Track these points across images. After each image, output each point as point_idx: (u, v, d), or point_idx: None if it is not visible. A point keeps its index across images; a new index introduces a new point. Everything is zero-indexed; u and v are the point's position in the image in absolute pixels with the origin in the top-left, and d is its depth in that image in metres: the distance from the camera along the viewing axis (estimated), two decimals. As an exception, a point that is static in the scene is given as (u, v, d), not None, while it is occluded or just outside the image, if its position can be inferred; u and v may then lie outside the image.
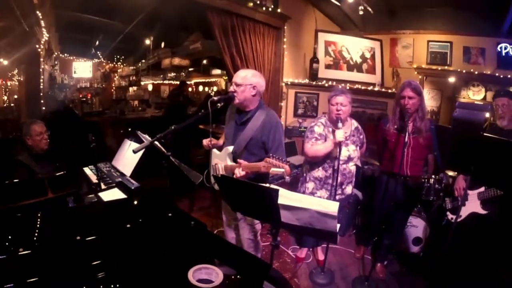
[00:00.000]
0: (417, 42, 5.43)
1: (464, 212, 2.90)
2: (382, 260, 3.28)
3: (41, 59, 4.18)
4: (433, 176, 3.67)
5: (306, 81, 5.04)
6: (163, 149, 2.21)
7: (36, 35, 3.91)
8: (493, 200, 2.78)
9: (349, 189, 2.99)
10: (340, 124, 2.68)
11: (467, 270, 2.88)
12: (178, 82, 11.59)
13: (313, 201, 1.54)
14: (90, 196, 2.30)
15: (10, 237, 1.52)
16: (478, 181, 2.72)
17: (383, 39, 5.65)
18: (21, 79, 5.04)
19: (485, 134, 2.05)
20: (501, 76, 4.78)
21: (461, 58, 5.13)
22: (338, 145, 2.64)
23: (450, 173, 3.71)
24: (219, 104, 2.27)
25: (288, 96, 4.91)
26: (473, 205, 2.88)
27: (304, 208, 1.52)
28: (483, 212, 2.84)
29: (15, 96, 6.63)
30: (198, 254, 1.50)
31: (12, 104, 6.62)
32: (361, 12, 4.82)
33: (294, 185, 3.34)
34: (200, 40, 7.13)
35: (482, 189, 2.85)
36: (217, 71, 11.39)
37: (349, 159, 2.87)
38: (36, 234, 1.60)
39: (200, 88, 13.36)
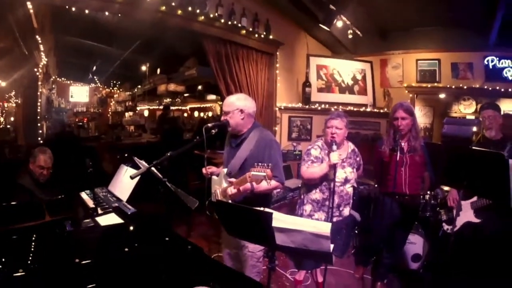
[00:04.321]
0: (406, 61, 5.58)
1: (459, 222, 2.95)
2: (382, 279, 3.26)
3: (39, 83, 4.24)
4: (428, 192, 3.71)
5: (299, 105, 5.14)
6: (160, 175, 2.24)
7: (35, 59, 3.97)
8: (485, 208, 2.85)
9: (346, 211, 3.00)
10: (334, 147, 2.71)
11: (466, 282, 2.87)
12: (173, 108, 11.64)
13: (306, 223, 1.57)
14: (87, 220, 2.31)
15: (4, 259, 1.51)
16: (472, 193, 2.82)
17: (373, 61, 5.81)
18: (19, 101, 5.09)
19: (473, 147, 2.11)
20: (490, 89, 4.90)
21: (450, 74, 5.26)
22: (333, 167, 2.69)
23: (445, 187, 3.74)
24: (213, 131, 2.30)
25: (282, 121, 4.98)
26: (466, 214, 2.95)
27: (298, 230, 1.56)
28: (477, 220, 2.92)
29: (12, 118, 6.66)
30: (195, 278, 1.51)
31: (8, 126, 6.64)
32: (350, 36, 5.00)
33: (292, 207, 3.34)
34: (195, 67, 7.28)
35: (475, 198, 2.91)
36: (212, 97, 11.48)
37: (346, 181, 2.90)
38: (32, 257, 1.60)
39: (196, 113, 13.46)
